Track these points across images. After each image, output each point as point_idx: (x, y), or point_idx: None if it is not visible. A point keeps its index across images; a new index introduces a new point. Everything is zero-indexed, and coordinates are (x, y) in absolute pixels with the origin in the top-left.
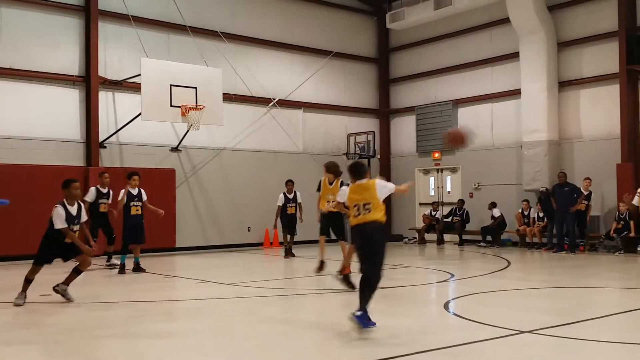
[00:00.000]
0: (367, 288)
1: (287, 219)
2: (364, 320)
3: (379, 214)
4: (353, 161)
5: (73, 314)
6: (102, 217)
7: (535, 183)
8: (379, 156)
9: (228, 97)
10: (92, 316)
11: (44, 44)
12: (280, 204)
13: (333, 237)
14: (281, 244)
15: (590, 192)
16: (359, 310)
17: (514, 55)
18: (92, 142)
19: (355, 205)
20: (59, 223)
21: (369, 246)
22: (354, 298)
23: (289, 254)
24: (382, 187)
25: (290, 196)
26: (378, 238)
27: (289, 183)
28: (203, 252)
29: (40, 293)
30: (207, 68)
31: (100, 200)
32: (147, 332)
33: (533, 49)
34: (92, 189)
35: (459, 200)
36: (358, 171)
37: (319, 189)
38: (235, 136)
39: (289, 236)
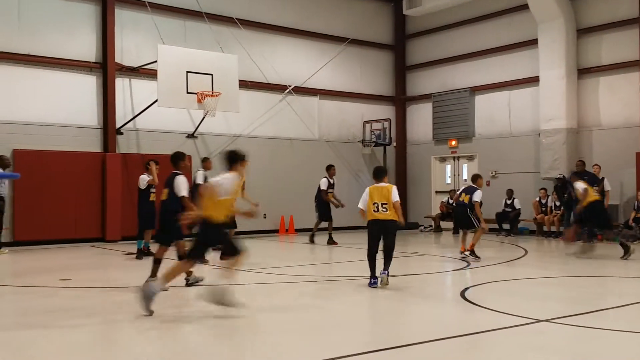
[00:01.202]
0: (389, 257)
1: (328, 205)
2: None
3: (394, 214)
4: (377, 166)
5: (91, 299)
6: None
7: (553, 171)
8: (394, 144)
9: (244, 84)
10: (110, 301)
11: (61, 31)
12: (325, 188)
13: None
14: (298, 231)
15: (603, 178)
16: (384, 270)
17: (532, 42)
18: (109, 129)
19: (374, 203)
20: (184, 190)
21: (387, 236)
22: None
23: (331, 241)
24: (395, 193)
25: (332, 181)
26: (393, 231)
27: (333, 168)
28: None
29: (60, 277)
30: (223, 55)
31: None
32: (163, 317)
33: (552, 36)
34: (201, 173)
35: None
36: (379, 174)
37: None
38: (251, 123)
39: (325, 223)
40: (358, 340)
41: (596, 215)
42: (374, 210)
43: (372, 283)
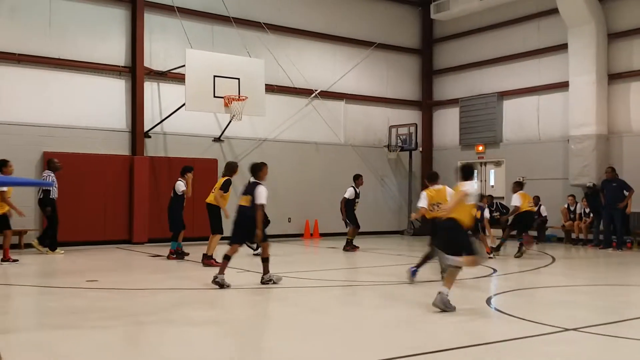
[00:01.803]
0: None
1: (354, 213)
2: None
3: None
4: (430, 171)
5: (118, 300)
6: None
7: (582, 178)
8: (420, 149)
9: (270, 88)
10: (137, 303)
11: (91, 35)
12: (350, 198)
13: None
14: (322, 235)
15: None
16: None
17: (562, 47)
18: (137, 132)
19: (432, 204)
20: (263, 199)
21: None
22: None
23: (351, 246)
24: (450, 193)
25: (358, 191)
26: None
27: (360, 178)
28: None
29: (87, 279)
30: (250, 59)
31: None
32: (188, 319)
33: (582, 41)
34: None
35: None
36: (433, 178)
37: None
38: (277, 127)
39: (354, 229)
40: (381, 345)
41: None
42: (430, 210)
43: (412, 271)
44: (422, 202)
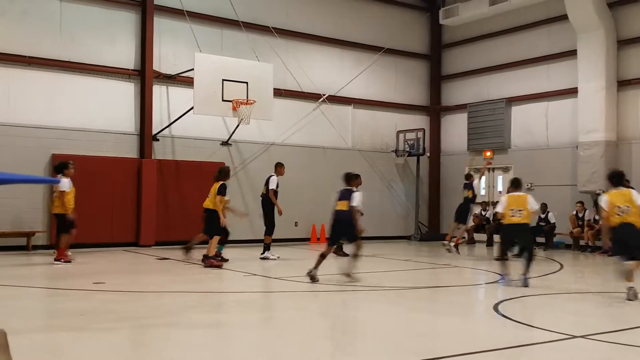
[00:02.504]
0: (528, 260)
1: None
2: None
3: (529, 219)
4: (514, 177)
5: (125, 303)
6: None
7: (591, 185)
8: (428, 154)
9: (278, 92)
10: (144, 305)
11: (101, 39)
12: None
13: None
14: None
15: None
16: (524, 274)
17: (571, 53)
18: (145, 135)
19: (511, 209)
20: (359, 204)
21: (524, 238)
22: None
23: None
24: (532, 200)
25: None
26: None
27: (358, 177)
28: (250, 245)
29: (94, 281)
30: (258, 63)
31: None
32: (195, 323)
33: (591, 47)
34: (276, 178)
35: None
36: (516, 184)
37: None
38: (285, 131)
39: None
40: (388, 350)
41: None
42: (511, 216)
43: (501, 280)
44: (500, 207)
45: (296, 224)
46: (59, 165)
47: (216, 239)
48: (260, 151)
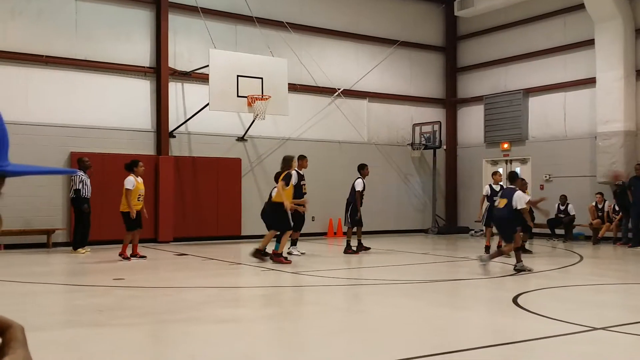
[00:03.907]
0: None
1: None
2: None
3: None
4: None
5: (144, 299)
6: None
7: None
8: (445, 147)
9: (293, 87)
10: (162, 301)
11: (117, 37)
12: (360, 189)
13: None
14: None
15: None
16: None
17: (589, 43)
18: (162, 132)
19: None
20: (524, 204)
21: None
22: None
23: (363, 247)
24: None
25: (364, 182)
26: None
27: (366, 167)
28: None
29: (113, 277)
30: (273, 58)
31: (302, 182)
32: (214, 318)
33: (609, 36)
34: (295, 173)
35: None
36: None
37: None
38: (300, 126)
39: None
40: (406, 344)
41: None
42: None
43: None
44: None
45: (313, 218)
46: (130, 163)
47: (288, 234)
48: (276, 146)
